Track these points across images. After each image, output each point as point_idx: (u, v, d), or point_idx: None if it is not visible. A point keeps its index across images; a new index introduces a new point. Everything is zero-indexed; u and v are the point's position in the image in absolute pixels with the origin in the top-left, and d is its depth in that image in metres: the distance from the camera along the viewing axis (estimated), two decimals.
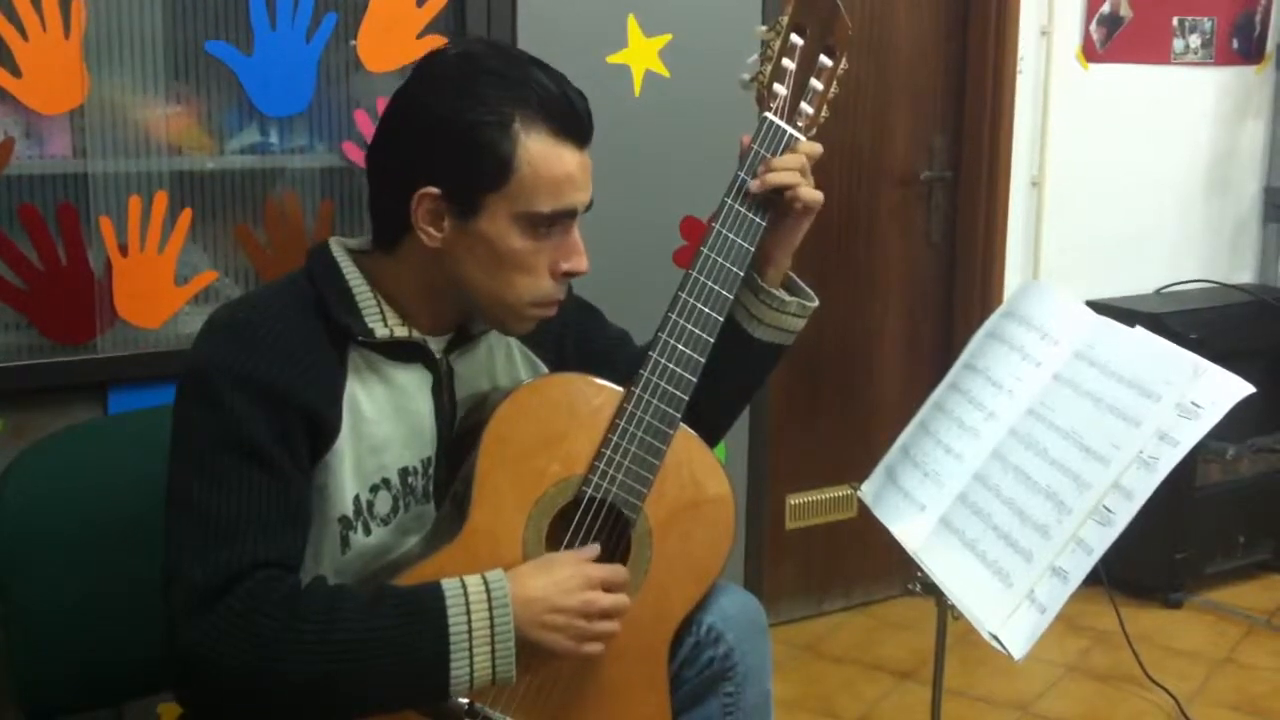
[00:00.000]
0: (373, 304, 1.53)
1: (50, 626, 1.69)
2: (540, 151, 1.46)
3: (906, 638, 3.45)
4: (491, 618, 1.42)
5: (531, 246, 1.49)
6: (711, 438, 1.71)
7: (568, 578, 1.48)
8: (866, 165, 3.50)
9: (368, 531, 1.53)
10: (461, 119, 1.45)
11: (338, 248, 1.57)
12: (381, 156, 1.54)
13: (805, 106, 1.65)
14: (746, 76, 1.66)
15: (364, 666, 1.38)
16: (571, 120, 1.48)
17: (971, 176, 3.62)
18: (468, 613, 1.41)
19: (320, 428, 1.47)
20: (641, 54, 2.63)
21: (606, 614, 1.50)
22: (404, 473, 1.56)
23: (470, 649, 1.41)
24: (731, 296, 1.61)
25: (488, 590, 1.43)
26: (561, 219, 1.50)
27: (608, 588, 1.51)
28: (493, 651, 1.42)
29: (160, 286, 2.21)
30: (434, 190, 1.46)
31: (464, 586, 1.43)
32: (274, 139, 2.31)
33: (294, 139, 2.33)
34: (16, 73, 2.04)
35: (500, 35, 2.43)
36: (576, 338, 1.76)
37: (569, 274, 1.54)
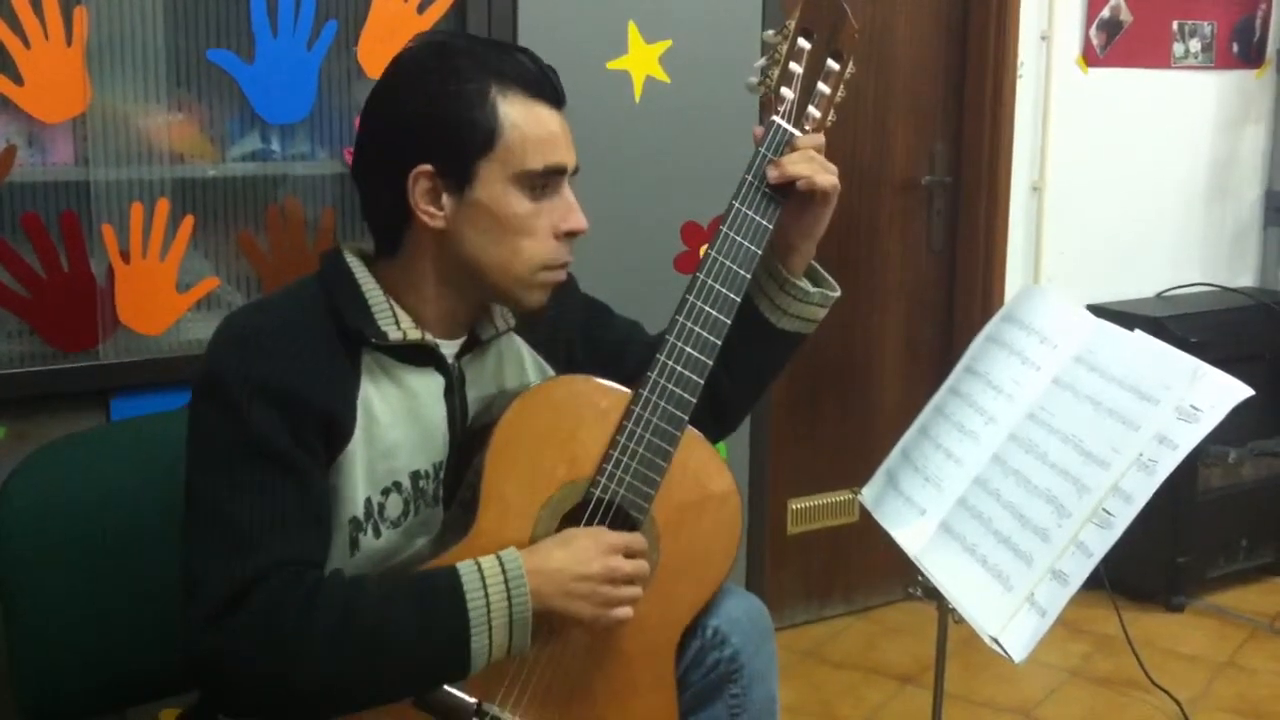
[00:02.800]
0: (385, 307, 1.54)
1: (53, 632, 1.69)
2: (520, 112, 1.50)
3: (908, 642, 3.45)
4: (508, 590, 1.43)
5: (530, 208, 1.52)
6: (726, 426, 1.74)
7: (586, 547, 1.50)
8: (867, 171, 3.51)
9: (377, 534, 1.54)
10: (441, 94, 1.49)
11: (350, 253, 1.59)
12: (369, 154, 1.56)
13: (812, 110, 1.65)
14: (754, 80, 1.67)
15: (385, 652, 1.40)
16: (544, 82, 1.53)
17: (972, 181, 3.63)
18: (484, 588, 1.43)
19: (334, 430, 1.48)
20: (642, 60, 2.63)
21: (629, 579, 1.52)
22: (415, 476, 1.57)
23: (489, 623, 1.42)
24: (739, 299, 1.61)
25: (502, 566, 1.45)
26: (553, 178, 1.53)
27: (628, 554, 1.52)
28: (510, 623, 1.43)
29: (162, 293, 2.21)
30: (427, 168, 1.49)
31: (478, 565, 1.45)
32: (275, 146, 2.32)
33: (295, 146, 2.34)
34: (19, 81, 2.05)
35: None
36: (584, 339, 1.77)
37: (570, 234, 1.56)
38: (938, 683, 2.16)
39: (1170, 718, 3.05)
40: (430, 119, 1.49)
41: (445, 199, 1.50)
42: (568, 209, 1.55)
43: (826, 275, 1.76)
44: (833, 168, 1.66)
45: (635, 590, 1.53)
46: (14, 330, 2.13)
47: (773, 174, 1.62)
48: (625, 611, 1.52)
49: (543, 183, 1.52)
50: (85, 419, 2.16)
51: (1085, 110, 3.74)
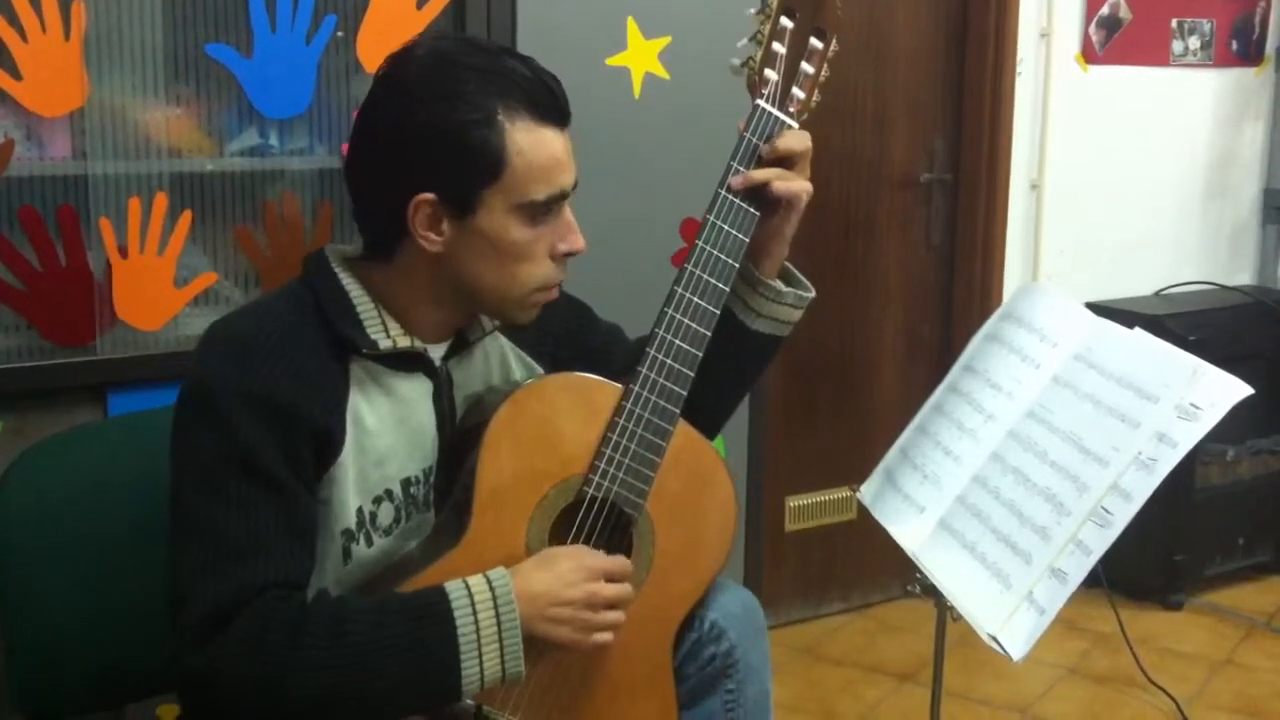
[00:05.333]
0: (374, 315, 1.52)
1: (50, 628, 1.69)
2: (527, 140, 1.46)
3: (906, 640, 3.45)
4: (498, 616, 1.42)
5: (530, 235, 1.50)
6: (710, 430, 1.71)
7: (569, 570, 1.48)
8: (866, 168, 3.51)
9: (369, 543, 1.53)
10: (447, 121, 1.44)
11: (335, 258, 1.56)
12: (367, 169, 1.53)
13: (797, 91, 1.63)
14: (737, 62, 1.65)
15: (374, 677, 1.38)
16: (550, 103, 1.49)
17: (971, 179, 3.62)
18: (474, 613, 1.41)
19: (325, 442, 1.46)
20: (641, 56, 2.63)
21: (611, 604, 1.51)
22: (406, 483, 1.56)
23: (479, 649, 1.41)
24: (727, 289, 1.60)
25: (492, 589, 1.43)
26: (555, 203, 1.51)
27: (610, 578, 1.51)
28: (501, 649, 1.42)
29: (160, 288, 2.21)
30: (429, 196, 1.46)
31: (468, 587, 1.43)
32: (274, 141, 2.31)
33: (294, 141, 2.33)
34: (17, 75, 2.05)
35: (499, 38, 2.43)
36: (569, 337, 1.76)
37: (568, 254, 1.54)
38: (936, 680, 2.16)
39: (1168, 716, 3.05)
40: (434, 147, 1.45)
41: (445, 225, 1.48)
42: (567, 230, 1.53)
43: (801, 277, 1.74)
44: (801, 172, 1.63)
45: (617, 615, 1.52)
46: (11, 324, 2.12)
47: (735, 182, 1.59)
48: (605, 637, 1.51)
49: (544, 210, 1.50)
50: (82, 414, 2.16)
51: (1084, 108, 3.74)
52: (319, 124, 2.34)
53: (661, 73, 2.65)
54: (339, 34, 2.30)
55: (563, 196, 1.52)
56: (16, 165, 2.08)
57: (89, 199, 2.15)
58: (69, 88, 2.09)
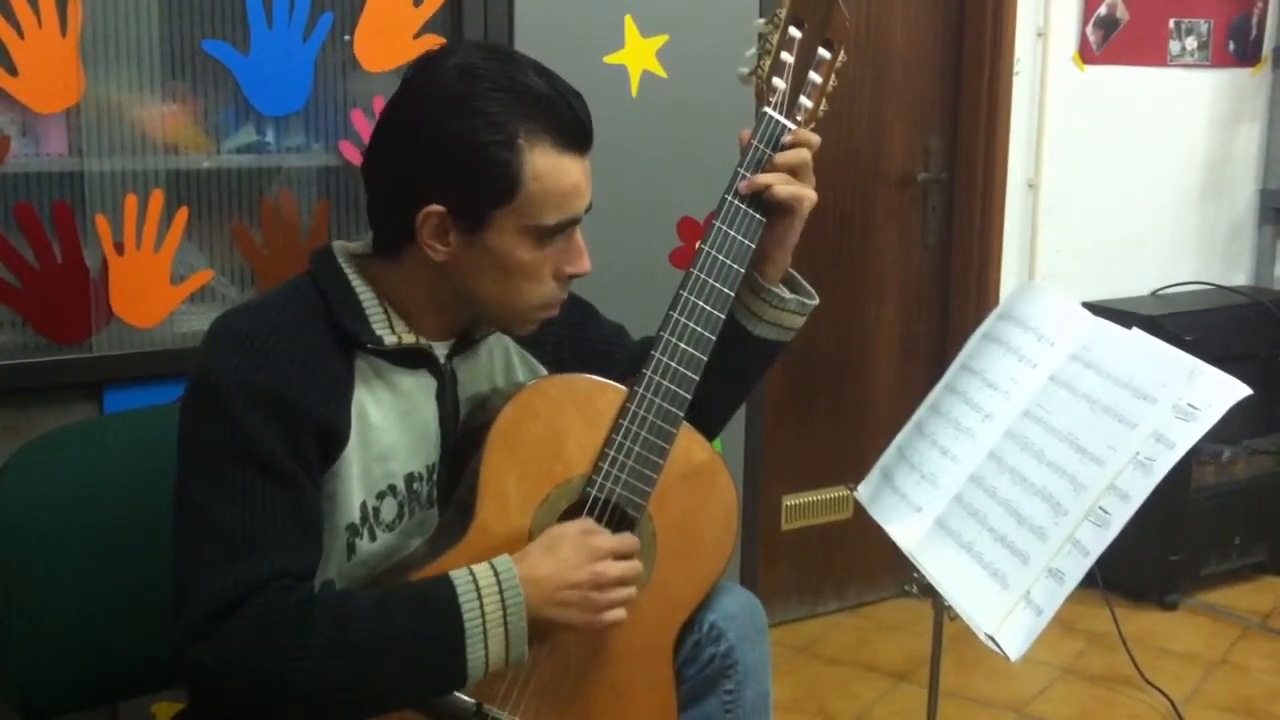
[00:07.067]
0: (380, 311, 1.52)
1: (45, 625, 1.69)
2: (546, 166, 1.46)
3: (902, 639, 3.45)
4: (503, 601, 1.42)
5: (537, 256, 1.50)
6: (708, 432, 1.71)
7: (574, 553, 1.48)
8: (863, 167, 3.51)
9: (373, 538, 1.53)
10: (467, 138, 1.44)
11: (341, 253, 1.56)
12: (382, 170, 1.53)
13: (804, 100, 1.64)
14: (745, 70, 1.65)
15: (380, 665, 1.38)
16: (574, 129, 1.48)
17: (967, 178, 3.62)
18: (479, 599, 1.41)
19: (330, 437, 1.47)
20: (639, 54, 2.63)
21: (619, 582, 1.50)
22: (409, 479, 1.56)
23: (485, 634, 1.41)
24: (733, 294, 1.60)
25: (496, 575, 1.43)
26: (566, 228, 1.50)
27: (617, 556, 1.51)
28: (506, 634, 1.42)
29: (156, 285, 2.20)
30: (439, 208, 1.46)
31: (473, 574, 1.43)
32: (270, 138, 2.31)
33: (290, 138, 2.33)
34: (13, 71, 2.04)
35: (497, 36, 2.43)
36: (573, 336, 1.76)
37: (573, 276, 1.55)
38: (933, 679, 2.16)
39: (1163, 715, 3.06)
40: (450, 161, 1.45)
41: (452, 236, 1.48)
42: (576, 253, 1.54)
43: (805, 284, 1.75)
44: (805, 181, 1.63)
45: (627, 592, 1.51)
46: (6, 321, 2.12)
47: (742, 186, 1.60)
48: (617, 614, 1.51)
49: (554, 233, 1.50)
50: (78, 411, 2.15)
51: (1081, 107, 3.74)
52: (316, 121, 2.34)
53: (659, 71, 2.65)
54: (345, 38, 2.30)
55: (574, 222, 1.51)
56: (12, 161, 2.08)
57: (85, 195, 2.14)
58: (65, 84, 2.09)
